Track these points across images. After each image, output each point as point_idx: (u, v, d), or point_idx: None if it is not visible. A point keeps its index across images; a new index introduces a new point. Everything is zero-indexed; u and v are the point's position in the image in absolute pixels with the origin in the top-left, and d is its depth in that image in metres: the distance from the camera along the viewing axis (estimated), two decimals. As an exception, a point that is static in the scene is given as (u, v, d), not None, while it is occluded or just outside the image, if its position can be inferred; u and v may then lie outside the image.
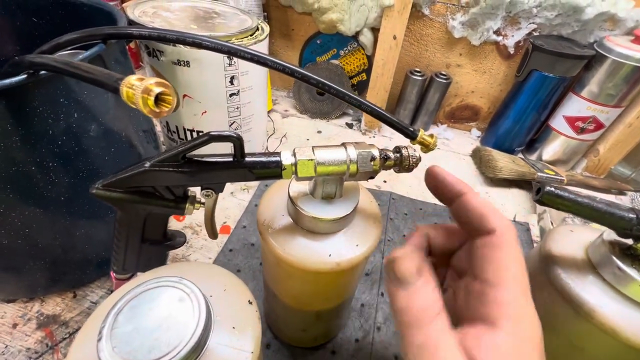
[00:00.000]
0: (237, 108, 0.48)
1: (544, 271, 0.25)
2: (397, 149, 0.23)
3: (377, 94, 0.66)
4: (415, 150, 0.23)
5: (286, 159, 0.21)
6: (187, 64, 0.41)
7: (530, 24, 0.59)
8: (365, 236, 0.24)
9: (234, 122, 0.49)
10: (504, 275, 0.15)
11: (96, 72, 0.17)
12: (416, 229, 0.20)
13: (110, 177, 0.19)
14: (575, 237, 0.26)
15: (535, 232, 0.52)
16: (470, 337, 0.14)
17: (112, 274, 0.26)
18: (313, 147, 0.21)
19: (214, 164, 0.20)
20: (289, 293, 0.28)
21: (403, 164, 0.22)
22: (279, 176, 0.21)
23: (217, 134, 0.18)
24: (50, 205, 0.30)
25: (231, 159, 0.20)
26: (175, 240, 0.25)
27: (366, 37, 0.66)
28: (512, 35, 0.61)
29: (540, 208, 0.54)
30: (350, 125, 0.72)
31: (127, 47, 0.38)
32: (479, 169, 0.64)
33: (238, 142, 0.19)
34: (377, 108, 0.29)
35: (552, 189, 0.22)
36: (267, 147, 0.62)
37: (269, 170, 0.20)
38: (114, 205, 0.20)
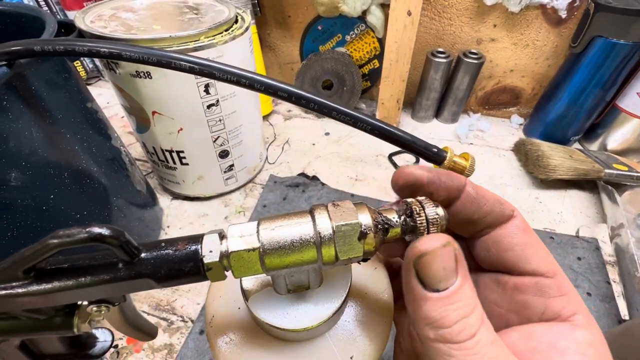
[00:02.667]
0: (220, 120, 0.40)
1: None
2: (407, 208, 0.13)
3: (392, 84, 0.55)
4: (438, 205, 0.13)
5: (210, 253, 0.12)
6: (149, 75, 0.34)
7: (589, -24, 0.46)
8: (364, 340, 0.15)
9: (218, 137, 0.41)
10: (552, 262, 0.13)
11: None
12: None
13: None
14: None
15: (607, 251, 0.40)
16: (541, 339, 0.12)
17: None
18: (259, 222, 0.13)
19: (84, 274, 0.12)
20: None
21: (419, 233, 0.13)
22: (202, 279, 0.12)
23: (58, 240, 0.10)
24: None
25: (115, 264, 0.12)
26: (94, 348, 0.17)
27: (375, 17, 0.55)
28: (564, -6, 0.48)
29: (612, 218, 0.42)
30: (363, 123, 0.62)
31: (70, 63, 0.31)
32: (524, 167, 0.52)
33: (114, 240, 0.11)
34: (378, 123, 0.20)
35: None
36: (266, 158, 0.54)
37: (183, 274, 0.12)
38: None
